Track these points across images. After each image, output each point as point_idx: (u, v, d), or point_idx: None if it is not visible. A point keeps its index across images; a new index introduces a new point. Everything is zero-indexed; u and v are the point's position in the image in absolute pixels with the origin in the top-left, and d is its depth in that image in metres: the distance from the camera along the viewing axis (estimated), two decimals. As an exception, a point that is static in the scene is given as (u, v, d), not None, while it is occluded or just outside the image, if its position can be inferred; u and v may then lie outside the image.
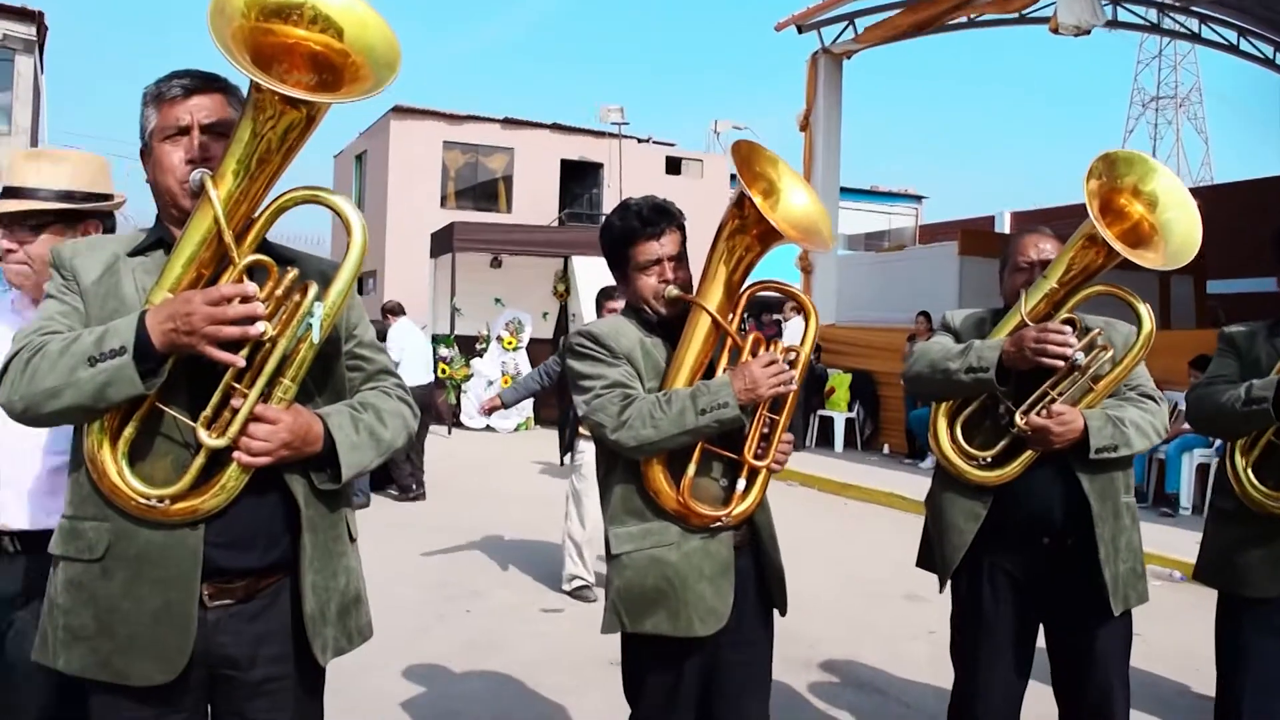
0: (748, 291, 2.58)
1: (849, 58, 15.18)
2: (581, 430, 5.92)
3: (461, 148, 25.80)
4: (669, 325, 2.60)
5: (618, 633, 2.61)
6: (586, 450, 5.95)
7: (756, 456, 2.53)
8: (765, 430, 2.53)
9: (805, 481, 10.83)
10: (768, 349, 2.55)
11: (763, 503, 2.62)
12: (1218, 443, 8.83)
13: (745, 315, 2.64)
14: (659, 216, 2.59)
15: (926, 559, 3.17)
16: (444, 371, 15.32)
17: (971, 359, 2.78)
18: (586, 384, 2.55)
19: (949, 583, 3.05)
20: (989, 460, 2.85)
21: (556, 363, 6.28)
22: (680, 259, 2.61)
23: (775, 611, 2.74)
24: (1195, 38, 17.27)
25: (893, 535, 8.17)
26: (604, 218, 2.75)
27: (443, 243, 16.26)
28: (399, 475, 9.35)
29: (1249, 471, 2.80)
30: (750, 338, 2.56)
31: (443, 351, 15.43)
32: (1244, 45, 17.20)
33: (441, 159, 25.47)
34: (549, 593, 6.26)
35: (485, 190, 26.15)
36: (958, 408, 2.91)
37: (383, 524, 8.48)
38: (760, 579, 2.69)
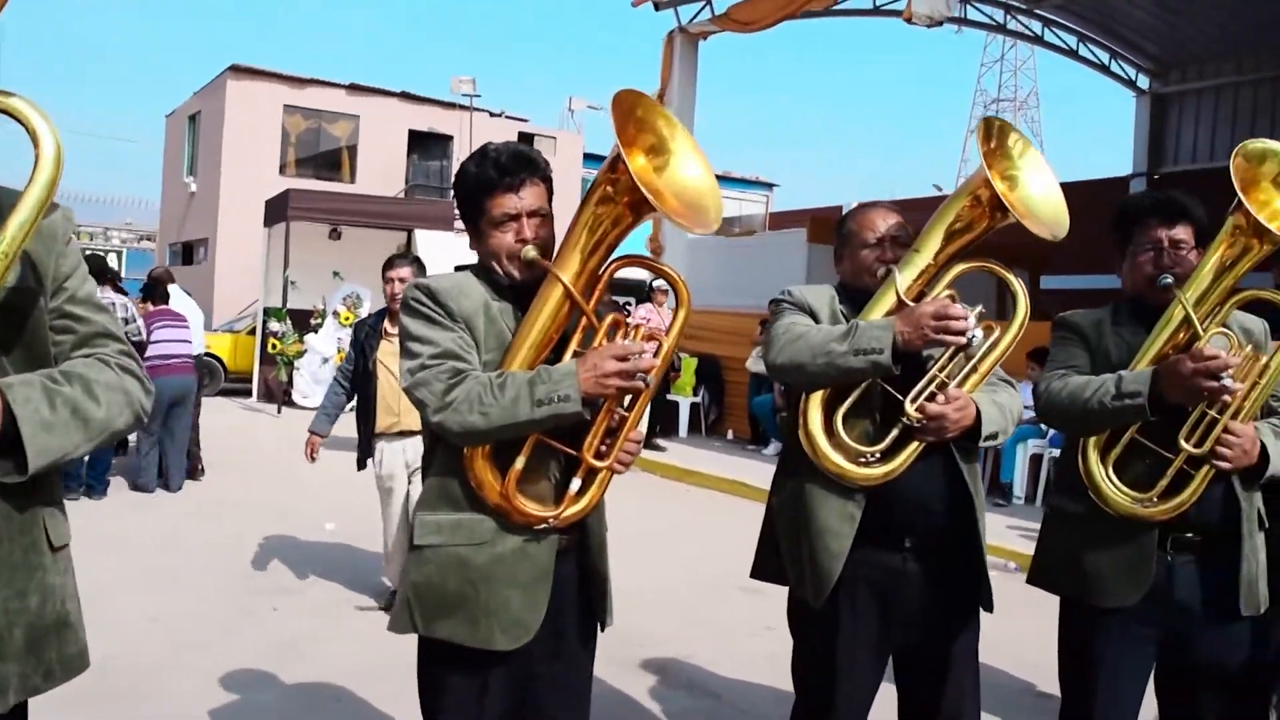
0: (614, 265, 2.23)
1: (705, 38, 15.03)
2: (378, 429, 5.32)
3: (304, 112, 24.58)
4: (521, 291, 2.25)
5: (408, 633, 2.27)
6: (385, 451, 5.34)
7: (597, 455, 2.19)
8: (612, 424, 2.20)
9: (646, 467, 10.59)
10: (628, 334, 2.21)
11: (598, 504, 2.29)
12: (1051, 433, 9.00)
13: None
14: (520, 165, 2.23)
15: (769, 568, 2.85)
16: (274, 347, 14.58)
17: (860, 341, 2.47)
18: (414, 348, 2.19)
19: (787, 588, 2.78)
20: (877, 456, 2.56)
21: (349, 362, 5.64)
22: (544, 216, 2.26)
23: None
24: (1038, 40, 17.83)
25: (733, 524, 7.99)
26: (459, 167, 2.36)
27: (277, 211, 15.46)
28: (139, 453, 8.61)
29: (1110, 474, 2.60)
30: (607, 319, 2.21)
31: (274, 326, 14.68)
32: (1083, 50, 17.87)
33: (282, 123, 24.20)
34: (366, 589, 5.79)
35: (328, 159, 25.02)
36: (834, 398, 2.60)
37: (192, 507, 7.89)
38: (584, 588, 2.37)
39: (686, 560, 6.93)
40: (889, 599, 2.63)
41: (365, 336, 5.51)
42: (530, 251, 2.21)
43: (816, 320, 2.70)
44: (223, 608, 5.34)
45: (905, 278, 2.59)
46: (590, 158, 27.60)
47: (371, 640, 4.90)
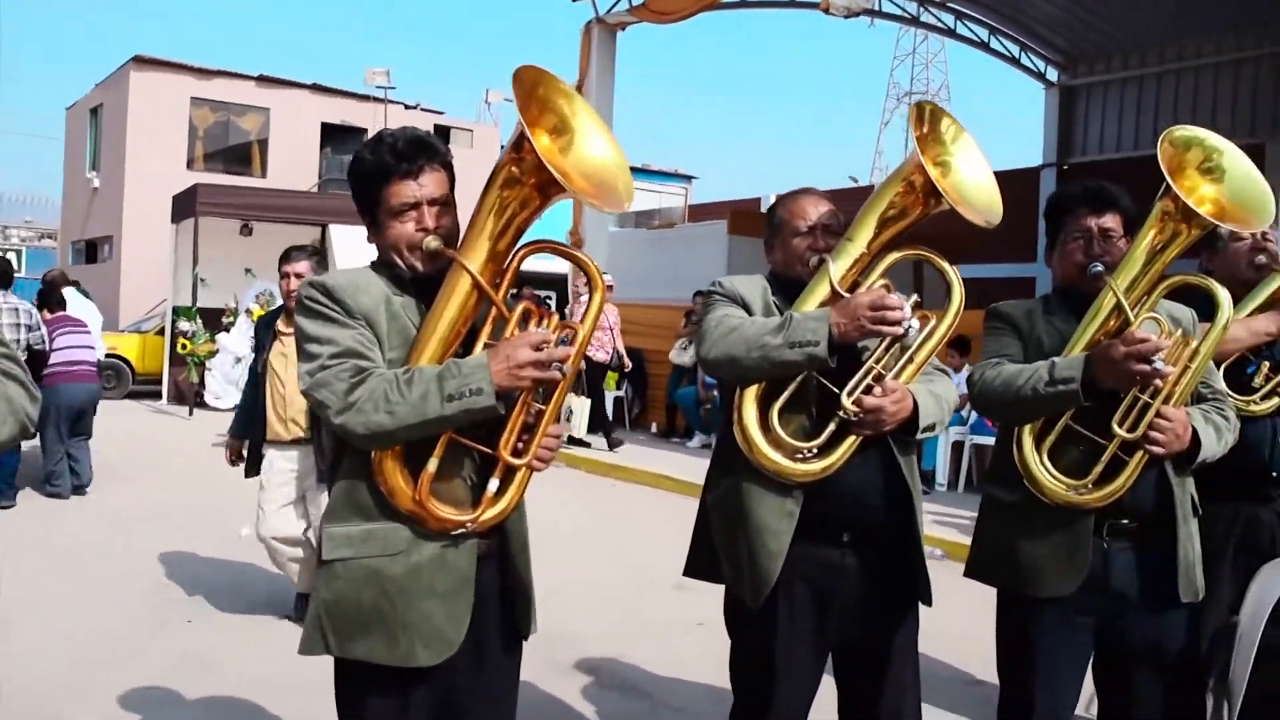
0: (523, 252, 2.12)
1: (623, 29, 14.94)
2: (267, 437, 5.04)
3: (211, 105, 23.92)
4: (425, 284, 2.13)
5: (321, 655, 2.14)
6: (275, 459, 5.05)
7: (515, 452, 2.07)
8: (529, 419, 2.08)
9: (571, 462, 10.50)
10: (540, 323, 2.10)
11: (518, 505, 2.18)
12: (973, 419, 9.12)
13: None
14: (417, 151, 2.11)
15: (703, 566, 2.77)
16: (185, 347, 14.17)
17: (795, 334, 2.41)
18: (312, 349, 2.06)
19: (720, 586, 2.72)
20: (814, 451, 2.48)
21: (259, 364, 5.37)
22: (445, 204, 2.14)
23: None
24: (950, 33, 18.09)
25: (660, 518, 7.96)
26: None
27: (185, 206, 15.05)
28: (48, 461, 8.22)
29: (1045, 461, 2.58)
30: (519, 308, 2.10)
31: (184, 325, 14.26)
32: (994, 43, 18.19)
33: (189, 116, 23.52)
34: (284, 597, 5.55)
35: (237, 153, 24.37)
36: (769, 392, 2.52)
37: (102, 515, 7.58)
38: (505, 595, 2.26)
39: (615, 556, 6.85)
40: (827, 594, 2.58)
41: (261, 333, 5.22)
42: (433, 242, 2.09)
43: (749, 312, 2.63)
44: (134, 620, 5.12)
45: (839, 267, 2.53)
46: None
47: (290, 651, 4.71)
